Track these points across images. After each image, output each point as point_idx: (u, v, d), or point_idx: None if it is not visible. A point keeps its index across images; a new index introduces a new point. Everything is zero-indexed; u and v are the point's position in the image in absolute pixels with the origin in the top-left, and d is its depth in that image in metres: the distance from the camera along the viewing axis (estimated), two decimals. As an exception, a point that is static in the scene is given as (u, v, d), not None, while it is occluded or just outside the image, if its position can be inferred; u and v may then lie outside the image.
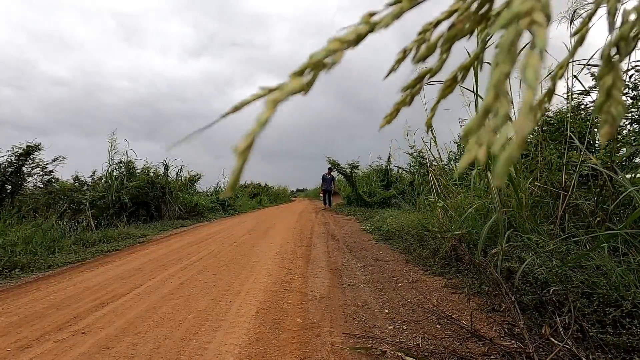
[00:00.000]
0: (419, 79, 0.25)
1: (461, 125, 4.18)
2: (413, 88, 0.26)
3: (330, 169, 11.21)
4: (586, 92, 3.11)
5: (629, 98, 2.70)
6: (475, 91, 2.94)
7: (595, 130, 2.97)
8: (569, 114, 2.93)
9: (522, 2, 0.17)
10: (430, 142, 4.88)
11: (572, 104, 3.12)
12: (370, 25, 0.21)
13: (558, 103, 3.32)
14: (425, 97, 3.62)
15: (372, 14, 0.22)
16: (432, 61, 0.25)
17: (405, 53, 0.24)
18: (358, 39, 0.21)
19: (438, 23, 0.23)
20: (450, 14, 0.23)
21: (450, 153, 6.14)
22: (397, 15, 0.21)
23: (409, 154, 7.26)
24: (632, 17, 0.21)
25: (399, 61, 0.25)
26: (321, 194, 12.22)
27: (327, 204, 11.33)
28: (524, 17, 0.17)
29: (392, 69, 0.25)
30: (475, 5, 0.22)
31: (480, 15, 0.23)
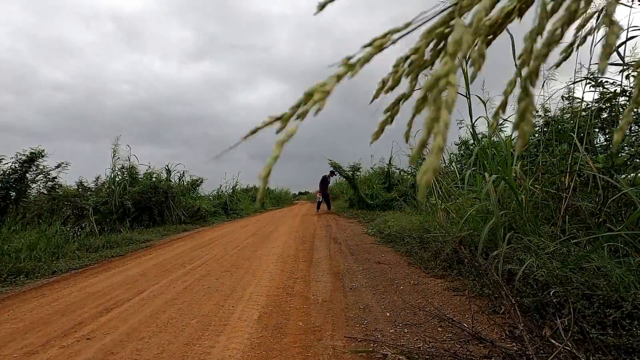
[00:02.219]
0: (396, 102, 0.30)
1: (460, 127, 4.20)
2: (392, 110, 0.30)
3: (332, 172, 10.82)
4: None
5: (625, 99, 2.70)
6: (467, 95, 3.03)
7: (596, 131, 2.98)
8: (567, 115, 2.94)
9: (444, 63, 0.23)
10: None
11: (574, 106, 3.13)
12: (347, 67, 0.25)
13: (559, 104, 3.33)
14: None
15: (349, 58, 0.25)
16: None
17: (384, 84, 0.28)
18: (338, 80, 0.25)
19: (407, 58, 0.28)
20: (415, 50, 0.27)
21: (452, 155, 6.15)
22: (366, 60, 0.25)
23: (408, 155, 7.27)
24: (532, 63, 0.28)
25: (379, 90, 0.29)
26: (319, 196, 11.41)
27: (328, 208, 11.03)
28: (443, 78, 0.23)
29: (375, 97, 0.28)
30: (432, 44, 0.28)
31: (437, 50, 0.28)
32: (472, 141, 4.51)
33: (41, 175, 6.40)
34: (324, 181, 10.81)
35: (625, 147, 2.48)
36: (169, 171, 9.08)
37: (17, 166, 5.92)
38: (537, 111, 3.22)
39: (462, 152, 6.06)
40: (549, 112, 3.39)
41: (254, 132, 0.27)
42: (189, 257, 3.86)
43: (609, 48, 0.25)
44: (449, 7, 0.27)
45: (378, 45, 0.26)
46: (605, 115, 2.80)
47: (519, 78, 0.28)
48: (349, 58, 0.25)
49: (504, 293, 1.78)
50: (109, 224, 6.28)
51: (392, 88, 0.28)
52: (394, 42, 0.27)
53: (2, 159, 5.74)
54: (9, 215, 5.17)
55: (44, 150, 6.19)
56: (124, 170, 7.53)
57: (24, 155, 5.97)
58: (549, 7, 0.27)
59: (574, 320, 1.46)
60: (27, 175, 6.10)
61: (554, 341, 1.38)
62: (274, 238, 5.25)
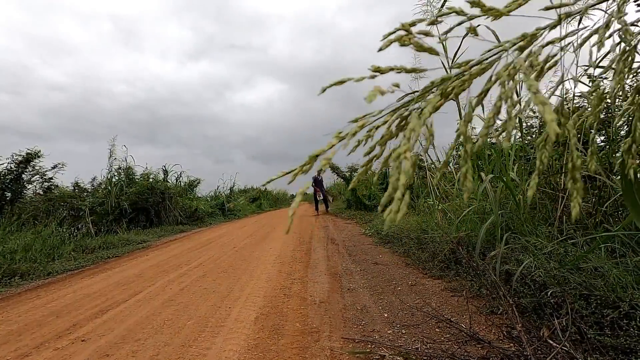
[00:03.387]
0: (370, 161, 0.40)
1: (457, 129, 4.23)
2: (367, 166, 0.41)
3: (319, 171, 10.61)
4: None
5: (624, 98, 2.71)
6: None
7: (592, 132, 2.99)
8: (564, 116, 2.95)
9: (403, 144, 0.34)
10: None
11: (571, 107, 3.14)
12: (339, 139, 0.36)
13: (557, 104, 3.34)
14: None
15: (340, 132, 0.36)
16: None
17: (359, 142, 0.39)
18: (331, 147, 0.36)
19: (377, 127, 0.38)
20: (385, 122, 0.38)
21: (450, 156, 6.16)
22: (354, 134, 0.36)
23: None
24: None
25: (356, 147, 0.39)
26: (319, 194, 11.17)
27: (327, 208, 10.85)
28: (403, 153, 0.33)
29: (352, 151, 0.40)
30: (397, 120, 0.39)
31: (400, 126, 0.39)
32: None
33: (37, 175, 6.36)
34: (318, 181, 10.58)
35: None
36: (166, 172, 9.05)
37: (13, 167, 5.88)
38: (533, 112, 3.25)
39: (459, 152, 6.07)
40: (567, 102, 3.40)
41: (268, 182, 0.41)
42: (186, 258, 3.84)
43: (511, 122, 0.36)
44: (408, 99, 0.38)
45: (361, 125, 0.37)
46: (602, 116, 2.81)
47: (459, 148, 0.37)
48: (340, 132, 0.36)
49: (501, 293, 1.77)
50: (106, 225, 6.25)
51: (368, 154, 0.39)
52: (370, 123, 0.38)
53: (-2, 159, 5.71)
54: (5, 216, 5.14)
55: (40, 150, 6.16)
56: (120, 170, 7.50)
57: (20, 155, 5.93)
58: (474, 102, 0.39)
59: (572, 321, 1.46)
60: (23, 175, 6.07)
61: (551, 341, 1.38)
62: (271, 239, 5.23)
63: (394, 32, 0.37)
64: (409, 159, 0.32)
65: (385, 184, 9.73)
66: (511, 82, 0.35)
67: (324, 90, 0.37)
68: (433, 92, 0.38)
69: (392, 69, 0.38)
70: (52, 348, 1.67)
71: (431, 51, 0.38)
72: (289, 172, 0.35)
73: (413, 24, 0.38)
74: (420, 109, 0.36)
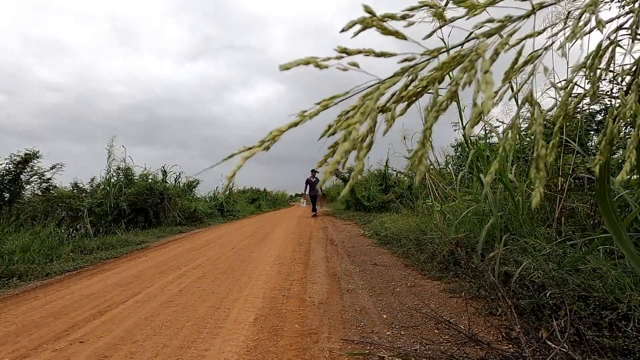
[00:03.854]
0: (333, 146, 0.40)
1: (455, 130, 4.21)
2: (331, 155, 0.41)
3: (313, 171, 10.01)
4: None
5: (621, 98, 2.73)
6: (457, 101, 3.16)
7: (592, 133, 3.01)
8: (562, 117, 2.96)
9: (356, 117, 0.36)
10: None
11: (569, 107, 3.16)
12: (302, 117, 0.37)
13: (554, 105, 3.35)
14: (420, 105, 3.67)
15: (304, 111, 0.37)
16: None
17: (329, 127, 0.40)
18: (294, 125, 0.37)
19: (347, 112, 0.39)
20: (354, 107, 0.39)
21: (448, 157, 6.17)
22: (316, 114, 0.38)
23: (407, 158, 7.28)
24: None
25: (325, 132, 0.40)
26: (304, 201, 10.93)
27: (315, 211, 10.39)
28: (353, 125, 0.36)
29: (321, 136, 0.40)
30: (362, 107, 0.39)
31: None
32: (466, 143, 4.54)
33: (36, 176, 6.34)
34: (311, 183, 10.18)
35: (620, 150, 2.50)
36: (165, 172, 9.03)
37: (11, 167, 5.86)
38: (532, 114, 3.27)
39: (458, 154, 6.08)
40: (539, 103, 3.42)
41: (229, 157, 0.36)
42: (184, 259, 3.83)
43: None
44: (374, 83, 0.39)
45: (324, 105, 0.38)
46: (600, 117, 2.82)
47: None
48: (304, 111, 0.37)
49: (500, 295, 1.78)
50: (104, 226, 6.23)
51: (332, 133, 0.40)
52: (335, 104, 0.38)
53: (-4, 160, 5.70)
54: (3, 217, 5.12)
55: (38, 151, 6.15)
56: (119, 171, 7.48)
57: (19, 156, 5.92)
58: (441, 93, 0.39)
59: (570, 322, 1.47)
60: (22, 176, 6.05)
61: (550, 343, 1.38)
62: (270, 240, 5.23)
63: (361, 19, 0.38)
64: (357, 130, 0.35)
65: (384, 185, 9.75)
66: (473, 70, 0.35)
67: (285, 68, 0.37)
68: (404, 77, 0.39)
69: (360, 52, 0.38)
70: (51, 349, 1.67)
71: (397, 35, 0.38)
72: (249, 148, 0.36)
73: (385, 16, 0.39)
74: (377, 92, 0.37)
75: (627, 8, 0.48)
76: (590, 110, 2.71)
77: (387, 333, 1.72)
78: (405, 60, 0.38)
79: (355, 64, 0.37)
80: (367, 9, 0.37)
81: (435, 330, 1.72)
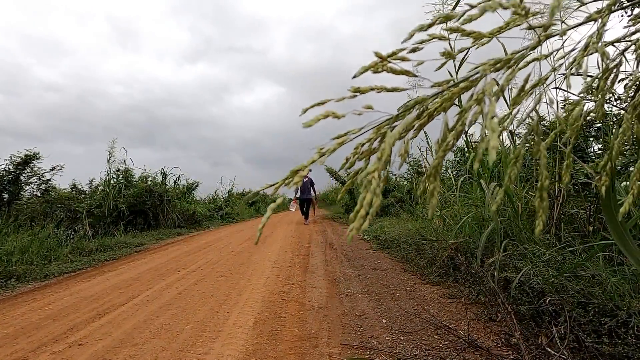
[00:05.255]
0: (354, 175, 0.42)
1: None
2: (352, 179, 0.42)
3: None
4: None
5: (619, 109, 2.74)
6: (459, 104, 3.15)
7: (591, 139, 3.03)
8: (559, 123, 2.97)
9: (373, 165, 0.36)
10: (427, 150, 4.92)
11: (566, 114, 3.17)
12: (320, 154, 0.38)
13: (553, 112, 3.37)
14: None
15: (321, 148, 0.39)
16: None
17: (347, 160, 0.42)
18: (312, 162, 0.39)
19: (363, 144, 0.40)
20: (369, 140, 0.40)
21: (447, 161, 6.17)
22: (333, 151, 0.39)
23: (407, 162, 7.29)
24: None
25: (344, 165, 0.42)
26: (294, 205, 9.78)
27: (306, 219, 9.03)
28: (371, 173, 0.36)
29: (341, 168, 0.42)
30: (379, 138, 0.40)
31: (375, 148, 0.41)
32: (467, 148, 4.55)
33: (35, 177, 6.33)
34: (302, 184, 9.73)
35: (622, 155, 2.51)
36: (164, 174, 9.02)
37: (10, 168, 5.85)
38: (532, 119, 3.28)
39: (458, 159, 6.09)
40: (544, 120, 3.43)
41: (255, 194, 0.44)
42: (183, 262, 3.83)
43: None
44: (387, 119, 0.40)
45: (340, 142, 0.38)
46: (599, 125, 2.84)
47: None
48: (321, 148, 0.38)
49: (500, 301, 1.78)
50: (103, 228, 6.22)
51: (352, 164, 0.41)
52: (351, 140, 0.39)
53: (-5, 160, 5.69)
54: (1, 218, 5.10)
55: (38, 152, 6.14)
56: (119, 173, 7.48)
57: (19, 157, 5.91)
58: (448, 122, 0.40)
59: (570, 329, 1.47)
60: (21, 177, 6.04)
61: (549, 349, 1.38)
62: (269, 243, 5.22)
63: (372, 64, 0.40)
64: (376, 179, 0.35)
65: (384, 188, 9.75)
66: (477, 106, 0.36)
67: (304, 111, 0.40)
68: (414, 110, 0.40)
69: (372, 89, 0.40)
70: (49, 352, 1.66)
71: (408, 74, 0.40)
72: (272, 185, 0.39)
73: (394, 53, 0.40)
74: (392, 128, 0.39)
75: (632, 28, 0.49)
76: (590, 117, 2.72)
77: (387, 338, 1.72)
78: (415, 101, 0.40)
79: (369, 107, 0.38)
80: (378, 54, 0.39)
81: (435, 336, 1.72)
